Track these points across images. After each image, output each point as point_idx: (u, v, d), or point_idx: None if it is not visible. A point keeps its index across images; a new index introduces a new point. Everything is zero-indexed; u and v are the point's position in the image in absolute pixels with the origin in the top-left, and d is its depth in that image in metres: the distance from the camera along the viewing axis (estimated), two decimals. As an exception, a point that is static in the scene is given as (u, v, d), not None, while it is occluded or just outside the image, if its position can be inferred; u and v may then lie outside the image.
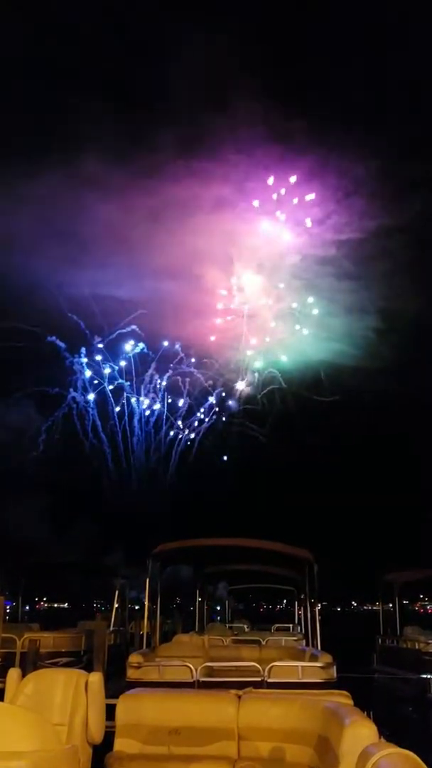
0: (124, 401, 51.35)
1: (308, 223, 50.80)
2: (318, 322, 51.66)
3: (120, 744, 5.35)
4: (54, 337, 49.06)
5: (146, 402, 51.71)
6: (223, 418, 52.88)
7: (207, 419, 52.58)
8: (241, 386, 52.77)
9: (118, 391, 51.37)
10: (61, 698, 5.38)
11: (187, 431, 52.29)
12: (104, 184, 48.25)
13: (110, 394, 51.07)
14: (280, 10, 50.15)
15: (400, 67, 49.94)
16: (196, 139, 52.26)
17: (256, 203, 51.01)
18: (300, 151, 51.46)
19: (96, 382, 50.84)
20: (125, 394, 51.34)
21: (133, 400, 51.51)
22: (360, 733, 4.04)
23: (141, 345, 50.98)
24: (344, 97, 51.20)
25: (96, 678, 5.55)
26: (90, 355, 50.69)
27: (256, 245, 52.07)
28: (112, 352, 51.07)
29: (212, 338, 52.31)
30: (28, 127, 47.28)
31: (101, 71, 50.28)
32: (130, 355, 50.93)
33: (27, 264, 44.31)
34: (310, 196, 50.43)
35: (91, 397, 50.66)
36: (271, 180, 50.59)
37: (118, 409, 51.19)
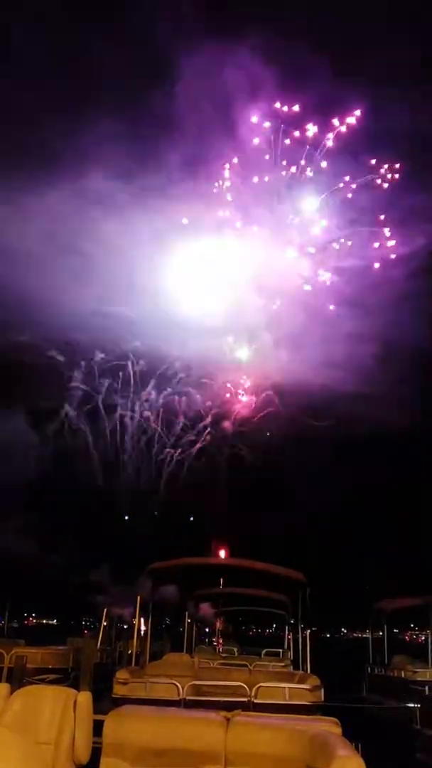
0: (118, 419, 51.32)
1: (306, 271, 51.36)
2: (317, 347, 51.81)
3: (106, 764, 5.30)
4: (54, 352, 49.20)
5: (141, 420, 51.69)
6: (217, 439, 52.84)
7: (201, 440, 52.53)
8: (237, 408, 52.83)
9: (114, 407, 51.36)
10: (48, 716, 5.37)
11: (179, 451, 52.18)
12: (109, 202, 48.60)
13: (104, 411, 51.04)
14: (291, 33, 50.88)
15: (403, 98, 50.56)
16: (202, 162, 52.66)
17: (255, 228, 51.52)
18: (304, 177, 52.00)
19: (92, 398, 50.89)
20: (119, 411, 51.32)
21: (128, 417, 51.48)
22: (348, 766, 4.04)
23: (141, 362, 51.15)
24: (348, 122, 51.68)
25: (85, 698, 5.53)
26: (89, 371, 50.81)
27: (257, 268, 52.42)
28: (112, 368, 51.23)
29: (211, 359, 52.46)
30: (35, 143, 47.70)
31: (110, 90, 50.86)
32: (130, 372, 51.07)
33: (30, 278, 44.53)
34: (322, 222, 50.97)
35: (85, 413, 50.64)
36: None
37: (111, 426, 51.14)
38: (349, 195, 50.77)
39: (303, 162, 50.66)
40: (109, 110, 48.83)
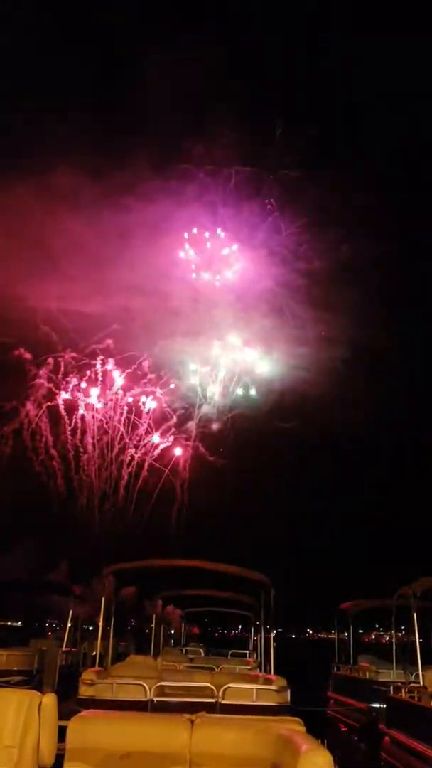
0: (79, 418, 50.73)
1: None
2: (286, 349, 52.03)
3: (70, 767, 5.27)
4: (21, 349, 48.57)
5: (104, 419, 51.22)
6: (182, 440, 52.67)
7: (165, 440, 52.28)
8: (204, 409, 52.77)
9: (77, 406, 50.77)
10: (13, 719, 5.28)
11: (142, 451, 51.82)
12: (76, 198, 48.15)
13: (66, 410, 50.45)
14: (262, 36, 51.18)
15: (373, 105, 51.20)
16: (171, 161, 52.60)
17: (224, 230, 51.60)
18: (274, 178, 52.29)
19: (55, 396, 50.27)
20: (82, 410, 50.77)
21: (90, 416, 50.94)
22: (315, 761, 4.03)
23: (111, 361, 50.77)
24: (318, 127, 52.10)
25: (50, 700, 5.46)
26: (56, 369, 50.25)
27: (226, 269, 52.52)
28: (81, 366, 50.75)
29: (179, 359, 52.36)
30: (1, 137, 47.09)
31: (79, 86, 50.50)
32: (99, 370, 50.64)
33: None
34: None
35: (45, 411, 50.04)
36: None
37: (72, 425, 50.56)
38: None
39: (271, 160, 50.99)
40: (79, 107, 48.52)
